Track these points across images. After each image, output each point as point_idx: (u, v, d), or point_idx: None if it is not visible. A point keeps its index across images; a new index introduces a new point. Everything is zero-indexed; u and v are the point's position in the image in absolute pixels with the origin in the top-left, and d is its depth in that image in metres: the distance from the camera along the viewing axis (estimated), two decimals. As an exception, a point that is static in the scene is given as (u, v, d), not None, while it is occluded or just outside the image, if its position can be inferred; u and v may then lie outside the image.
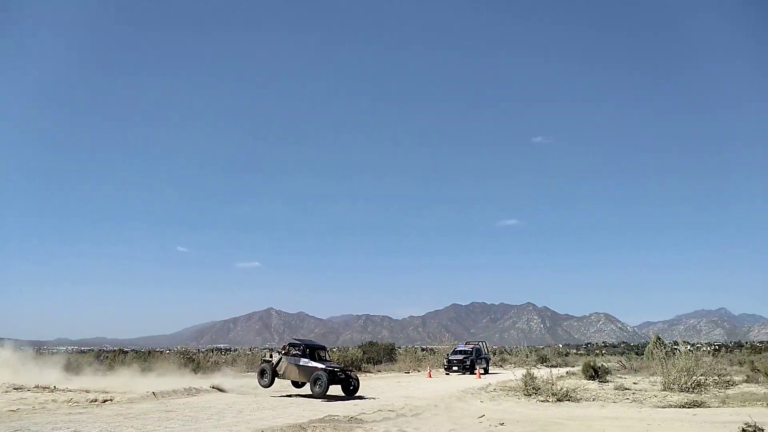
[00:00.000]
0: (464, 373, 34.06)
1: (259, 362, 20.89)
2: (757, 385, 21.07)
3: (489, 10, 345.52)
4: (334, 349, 58.87)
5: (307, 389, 19.21)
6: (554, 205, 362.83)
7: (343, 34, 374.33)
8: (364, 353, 42.95)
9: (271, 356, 20.25)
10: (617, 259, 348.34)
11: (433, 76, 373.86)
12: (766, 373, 22.00)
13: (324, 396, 17.94)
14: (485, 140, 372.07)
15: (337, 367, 18.99)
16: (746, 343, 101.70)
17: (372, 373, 37.19)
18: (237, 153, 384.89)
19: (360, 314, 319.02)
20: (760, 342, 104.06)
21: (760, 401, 16.18)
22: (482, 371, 34.24)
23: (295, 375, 19.10)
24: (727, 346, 76.11)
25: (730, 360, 34.92)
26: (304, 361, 18.91)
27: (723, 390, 19.60)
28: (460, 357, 35.68)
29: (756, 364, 25.51)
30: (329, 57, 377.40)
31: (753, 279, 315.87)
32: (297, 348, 19.61)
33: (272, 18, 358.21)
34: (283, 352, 19.87)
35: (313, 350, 19.49)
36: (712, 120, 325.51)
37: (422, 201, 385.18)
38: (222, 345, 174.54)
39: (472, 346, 38.54)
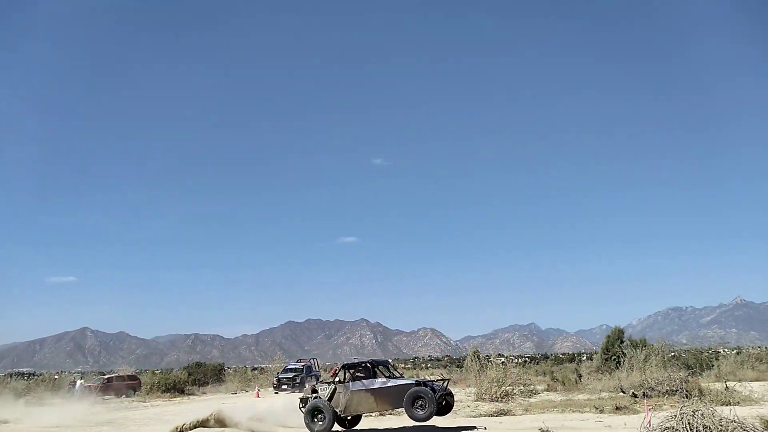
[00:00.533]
0: (294, 392, 33.77)
1: (301, 398, 15.30)
2: (555, 393, 23.45)
3: (341, 26, 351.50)
4: (157, 371, 55.33)
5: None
6: (390, 225, 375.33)
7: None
8: (189, 375, 40.97)
9: (315, 390, 15.09)
10: (442, 277, 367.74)
11: (277, 91, 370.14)
12: (563, 382, 24.63)
13: (428, 420, 13.65)
14: (329, 158, 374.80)
15: (431, 382, 14.42)
16: (551, 355, 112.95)
17: (197, 395, 35.57)
18: (52, 161, 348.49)
19: (188, 333, 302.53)
20: (563, 354, 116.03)
21: (556, 408, 18.05)
22: (311, 389, 34.17)
23: (371, 404, 14.31)
24: (534, 358, 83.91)
25: (536, 371, 38.46)
26: (380, 382, 14.21)
27: (527, 398, 21.54)
28: (290, 375, 35.41)
29: (555, 374, 28.43)
30: (127, 64, 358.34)
31: (558, 295, 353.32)
32: (359, 369, 14.91)
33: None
34: (337, 379, 14.98)
35: (378, 367, 15.04)
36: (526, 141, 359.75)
37: (262, 216, 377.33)
38: (25, 369, 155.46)
39: (303, 363, 38.49)
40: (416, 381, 14.24)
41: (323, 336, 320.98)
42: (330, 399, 14.40)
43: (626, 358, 27.07)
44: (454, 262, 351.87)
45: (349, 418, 15.06)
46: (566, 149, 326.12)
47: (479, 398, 21.19)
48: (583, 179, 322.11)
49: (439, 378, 15.37)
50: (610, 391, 21.57)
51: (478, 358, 30.39)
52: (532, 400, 21.13)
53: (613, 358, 30.78)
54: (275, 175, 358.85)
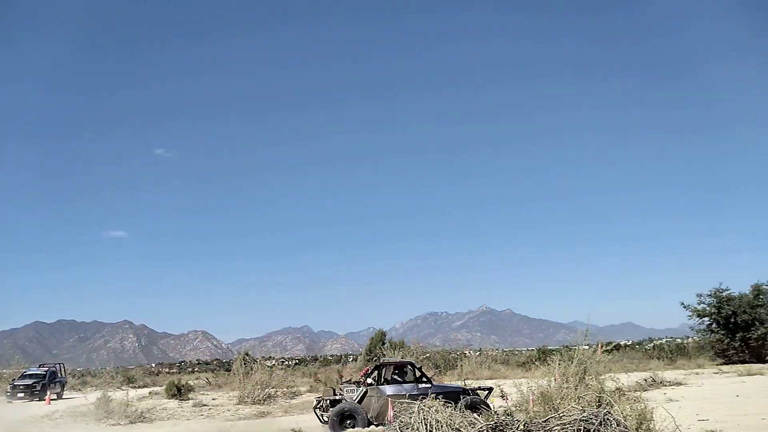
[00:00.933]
0: (32, 400, 29.95)
1: (320, 401, 13.27)
2: (317, 393, 24.12)
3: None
4: None
5: None
6: (166, 220, 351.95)
7: None
8: None
9: (336, 392, 13.13)
10: (217, 278, 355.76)
11: (50, 73, 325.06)
12: (325, 383, 25.47)
13: None
14: (103, 145, 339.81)
15: (474, 390, 13.20)
16: (321, 356, 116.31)
17: None
18: None
19: None
20: (332, 355, 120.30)
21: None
22: (54, 396, 30.67)
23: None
24: (304, 360, 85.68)
25: (303, 372, 39.20)
26: (423, 388, 12.49)
27: (289, 400, 21.85)
28: (29, 382, 31.28)
29: (318, 375, 29.30)
30: None
31: (330, 299, 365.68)
32: (396, 371, 13.34)
33: None
34: (370, 381, 13.00)
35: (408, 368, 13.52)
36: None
37: (9, 204, 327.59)
38: None
39: (46, 369, 34.32)
40: (463, 388, 13.24)
41: (77, 339, 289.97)
42: (361, 400, 12.62)
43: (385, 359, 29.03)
44: (229, 263, 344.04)
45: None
46: (332, 150, 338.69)
47: (241, 401, 20.93)
48: (352, 182, 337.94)
49: (481, 387, 14.31)
50: (368, 391, 22.86)
51: (245, 362, 30.08)
52: (294, 401, 21.48)
53: (374, 358, 32.82)
54: (36, 158, 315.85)
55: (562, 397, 12.29)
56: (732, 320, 28.16)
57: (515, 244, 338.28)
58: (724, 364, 28.13)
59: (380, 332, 37.05)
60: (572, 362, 17.92)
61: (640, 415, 9.30)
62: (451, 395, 12.55)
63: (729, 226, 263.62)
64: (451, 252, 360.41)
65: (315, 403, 13.58)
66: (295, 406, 19.25)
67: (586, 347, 20.00)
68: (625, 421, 8.92)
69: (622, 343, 53.41)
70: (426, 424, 10.16)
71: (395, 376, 13.37)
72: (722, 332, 28.95)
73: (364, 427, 12.27)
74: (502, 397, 13.24)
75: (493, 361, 39.60)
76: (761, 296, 28.41)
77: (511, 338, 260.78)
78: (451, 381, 24.38)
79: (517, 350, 70.51)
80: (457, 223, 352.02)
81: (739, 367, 26.14)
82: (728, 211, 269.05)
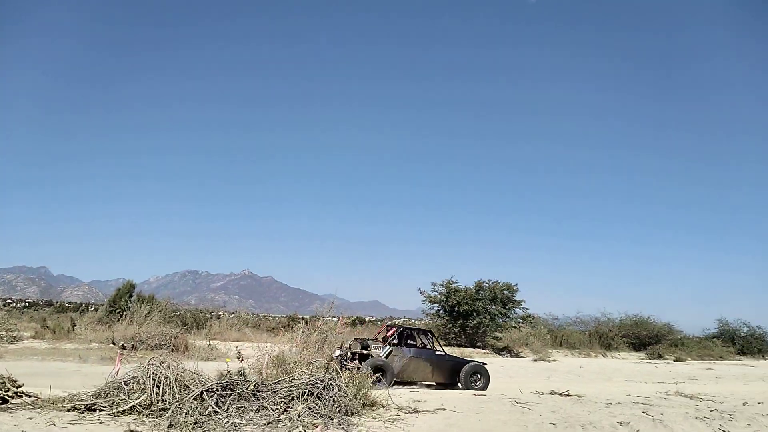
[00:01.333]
0: None
1: (344, 353, 14.05)
2: (43, 341, 22.05)
3: None
4: None
5: None
6: None
7: None
8: None
9: (366, 345, 14.31)
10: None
11: None
12: (54, 330, 23.40)
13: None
14: None
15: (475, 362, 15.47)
16: (57, 302, 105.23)
17: None
18: None
19: None
20: (71, 303, 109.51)
21: (36, 355, 17.11)
22: None
23: (426, 374, 14.39)
24: (37, 304, 76.95)
25: (32, 317, 35.37)
26: (440, 354, 14.69)
27: (6, 345, 19.71)
28: None
29: (47, 321, 26.73)
30: None
31: (76, 243, 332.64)
32: (414, 335, 15.39)
33: None
34: (394, 341, 14.48)
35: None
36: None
37: None
38: None
39: None
40: (468, 360, 15.43)
41: None
42: (387, 357, 14.02)
43: (130, 312, 27.61)
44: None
45: None
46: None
47: (-57, 342, 18.35)
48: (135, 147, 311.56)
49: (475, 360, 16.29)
50: (102, 342, 21.62)
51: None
52: (12, 346, 19.45)
53: (118, 311, 30.93)
54: None
55: (296, 362, 13.13)
56: (456, 309, 32.24)
57: (284, 215, 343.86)
58: (444, 346, 32.14)
59: (129, 284, 34.80)
60: (315, 331, 19.14)
61: (360, 383, 10.46)
62: (460, 363, 15.06)
63: (462, 222, 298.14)
64: (219, 214, 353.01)
65: (336, 353, 14.29)
66: (13, 352, 17.44)
67: (333, 318, 21.42)
68: (346, 387, 10.00)
69: (366, 318, 57.63)
70: (154, 379, 10.14)
71: (411, 341, 15.10)
72: (447, 318, 32.99)
73: (391, 382, 13.29)
74: (238, 358, 13.68)
75: (244, 324, 39.92)
76: (481, 291, 32.92)
77: (269, 304, 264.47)
78: (198, 340, 24.23)
79: (270, 316, 72.00)
80: (232, 189, 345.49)
81: (455, 349, 30.18)
82: (462, 210, 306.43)
